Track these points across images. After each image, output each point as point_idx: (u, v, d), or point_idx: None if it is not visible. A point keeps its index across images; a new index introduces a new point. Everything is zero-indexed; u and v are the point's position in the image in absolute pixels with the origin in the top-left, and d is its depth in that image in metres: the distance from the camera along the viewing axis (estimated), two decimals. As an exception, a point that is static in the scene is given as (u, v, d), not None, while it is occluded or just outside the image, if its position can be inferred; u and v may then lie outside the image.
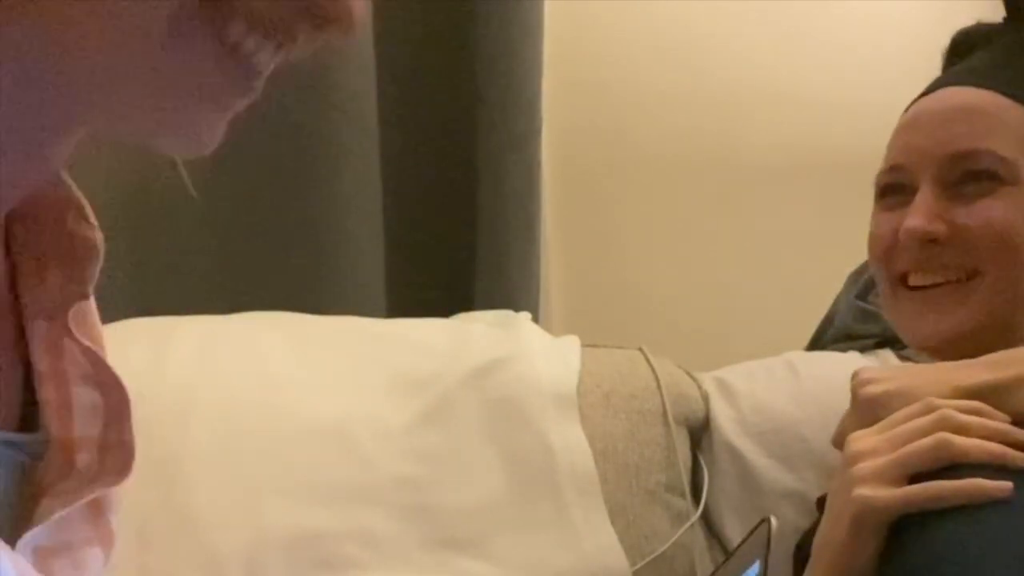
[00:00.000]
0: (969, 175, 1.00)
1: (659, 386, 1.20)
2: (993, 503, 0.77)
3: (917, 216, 1.00)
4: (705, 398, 1.23)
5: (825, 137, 1.81)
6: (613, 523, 1.08)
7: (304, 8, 0.53)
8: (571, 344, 1.23)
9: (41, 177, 0.59)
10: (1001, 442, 0.81)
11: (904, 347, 1.26)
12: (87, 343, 0.62)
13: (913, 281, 1.03)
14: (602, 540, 1.07)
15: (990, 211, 0.99)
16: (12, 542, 0.57)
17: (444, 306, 1.33)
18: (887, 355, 1.28)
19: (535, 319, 1.32)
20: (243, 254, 1.37)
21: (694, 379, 1.25)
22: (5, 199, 0.58)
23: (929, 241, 1.00)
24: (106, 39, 0.50)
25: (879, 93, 1.76)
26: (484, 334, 1.21)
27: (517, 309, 1.32)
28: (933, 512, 0.78)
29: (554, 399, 1.14)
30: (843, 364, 1.26)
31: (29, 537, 0.58)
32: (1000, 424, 0.82)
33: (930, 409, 0.83)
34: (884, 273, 1.06)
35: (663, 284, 1.80)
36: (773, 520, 0.73)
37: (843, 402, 1.18)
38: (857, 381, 0.95)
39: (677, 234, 1.81)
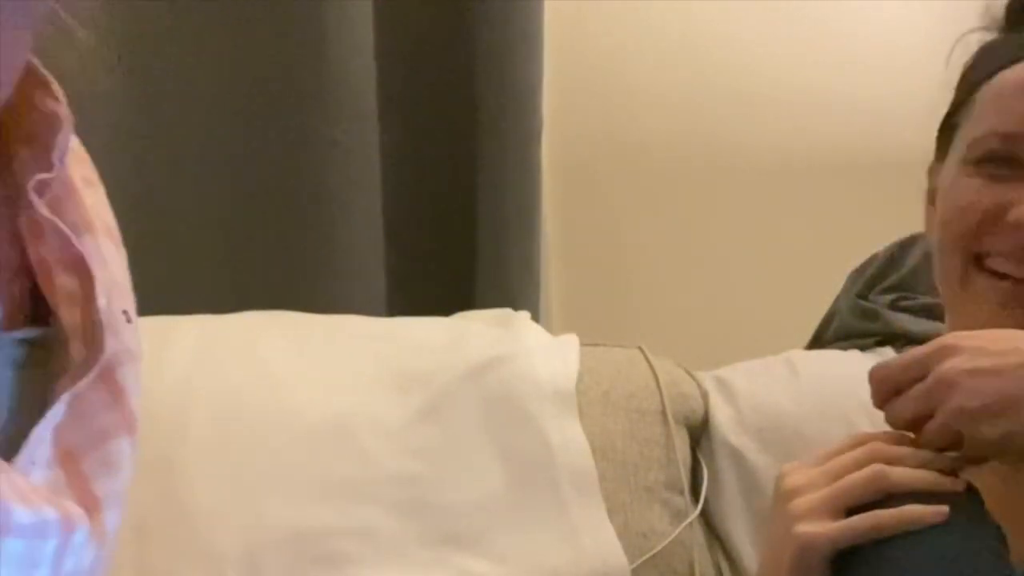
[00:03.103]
0: None
1: (658, 385, 1.20)
2: (931, 527, 0.77)
3: None
4: (704, 397, 1.23)
5: (826, 137, 1.81)
6: (612, 521, 1.08)
7: None
8: (570, 343, 1.23)
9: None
10: (931, 469, 0.80)
11: (904, 346, 1.26)
12: (48, 215, 0.60)
13: (994, 265, 0.89)
14: (601, 538, 1.07)
15: None
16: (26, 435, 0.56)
17: (444, 306, 1.33)
18: (887, 353, 1.27)
19: (535, 318, 1.32)
20: (243, 254, 1.37)
21: (693, 378, 1.25)
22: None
23: None
24: None
25: (881, 94, 1.77)
26: (483, 332, 1.21)
27: (517, 309, 1.32)
28: (874, 542, 0.77)
29: (553, 397, 1.14)
30: (843, 363, 1.26)
31: (45, 423, 0.57)
32: (929, 453, 0.82)
33: (862, 441, 0.83)
34: (960, 249, 0.91)
35: (663, 284, 1.80)
36: None
37: (843, 401, 1.18)
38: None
39: (677, 234, 1.81)
